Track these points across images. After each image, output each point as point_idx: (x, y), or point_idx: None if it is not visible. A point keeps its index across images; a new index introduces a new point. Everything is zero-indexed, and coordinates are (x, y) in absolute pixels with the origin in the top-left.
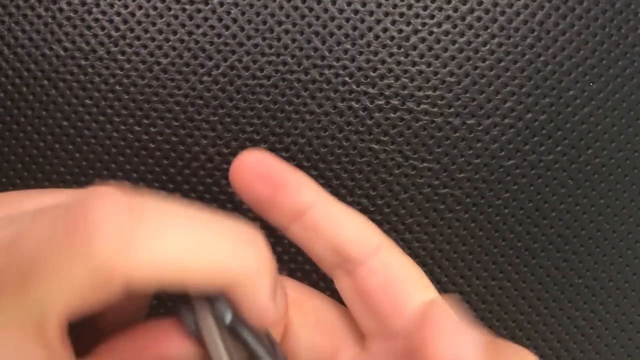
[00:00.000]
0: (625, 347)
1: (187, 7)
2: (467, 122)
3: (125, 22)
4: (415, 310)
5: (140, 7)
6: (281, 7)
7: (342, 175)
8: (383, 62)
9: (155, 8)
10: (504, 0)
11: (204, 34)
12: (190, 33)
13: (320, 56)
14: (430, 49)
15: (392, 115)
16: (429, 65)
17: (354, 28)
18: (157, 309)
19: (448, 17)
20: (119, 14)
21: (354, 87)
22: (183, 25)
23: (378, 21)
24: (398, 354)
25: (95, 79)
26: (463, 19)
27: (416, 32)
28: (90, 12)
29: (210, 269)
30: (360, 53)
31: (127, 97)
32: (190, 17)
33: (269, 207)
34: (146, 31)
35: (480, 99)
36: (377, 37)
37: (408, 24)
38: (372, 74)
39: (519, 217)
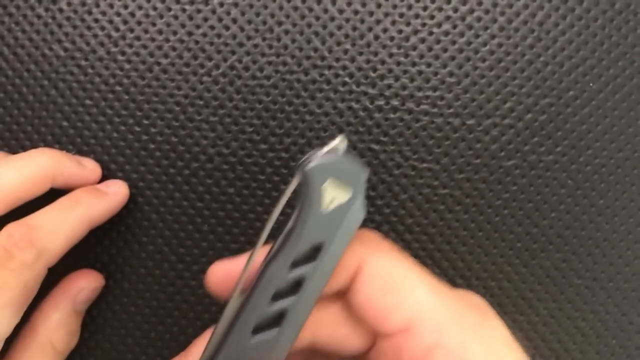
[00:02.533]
0: (624, 347)
1: (187, 7)
2: (467, 122)
3: (125, 22)
4: (400, 320)
5: (140, 8)
6: (281, 8)
7: None
8: (383, 62)
9: (155, 8)
10: (504, 0)
11: (204, 35)
12: (190, 33)
13: (320, 56)
14: (430, 49)
15: (392, 115)
16: (428, 65)
17: (354, 28)
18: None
19: (448, 18)
20: (118, 14)
21: (354, 87)
22: (183, 26)
23: (378, 21)
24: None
25: (95, 79)
26: (463, 19)
27: (416, 32)
28: (90, 13)
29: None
30: (360, 53)
31: (127, 97)
32: (190, 18)
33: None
34: (146, 31)
35: (480, 99)
36: (377, 37)
37: (408, 24)
38: (372, 74)
39: (519, 218)
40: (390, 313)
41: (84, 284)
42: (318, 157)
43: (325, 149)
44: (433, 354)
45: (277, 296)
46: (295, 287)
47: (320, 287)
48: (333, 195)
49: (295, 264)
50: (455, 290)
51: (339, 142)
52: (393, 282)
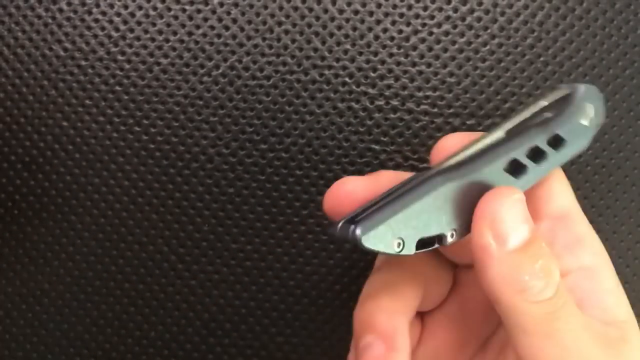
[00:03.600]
0: None
1: (187, 7)
2: (467, 122)
3: (125, 22)
4: (563, 205)
5: (140, 8)
6: (281, 8)
7: (342, 175)
8: (383, 62)
9: (155, 9)
10: (504, 0)
11: (204, 35)
12: (190, 34)
13: (320, 57)
14: (430, 49)
15: (392, 115)
16: (429, 65)
17: (354, 28)
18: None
19: (448, 18)
20: (119, 14)
21: (354, 87)
22: (183, 26)
23: (378, 22)
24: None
25: (95, 79)
26: (463, 19)
27: (416, 32)
28: (90, 13)
29: None
30: (360, 53)
31: (127, 97)
32: (190, 18)
33: None
34: (146, 32)
35: (480, 100)
36: (377, 37)
37: (408, 24)
38: (372, 74)
39: None
40: (559, 197)
41: None
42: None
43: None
44: (582, 244)
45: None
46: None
47: (549, 167)
48: (586, 116)
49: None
50: None
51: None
52: (564, 179)
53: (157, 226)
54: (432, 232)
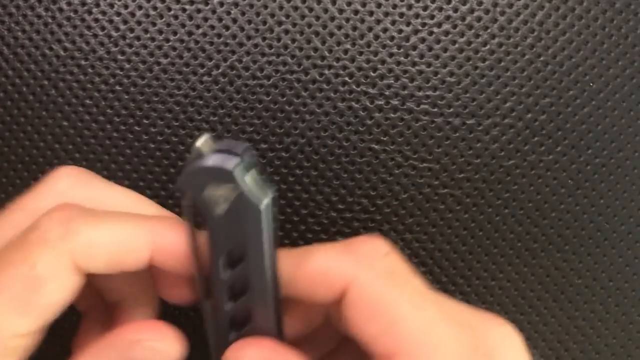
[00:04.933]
0: (625, 347)
1: (187, 7)
2: (467, 122)
3: (125, 22)
4: (387, 346)
5: (140, 8)
6: (281, 7)
7: (342, 175)
8: (383, 62)
9: (155, 8)
10: (504, 0)
11: (204, 34)
12: (190, 33)
13: (320, 56)
14: (430, 49)
15: (392, 115)
16: (429, 65)
17: (354, 28)
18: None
19: (448, 18)
20: (119, 14)
21: (354, 87)
22: (183, 26)
23: (378, 21)
24: None
25: (95, 79)
26: (463, 19)
27: (416, 32)
28: (90, 12)
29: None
30: (360, 53)
31: (127, 97)
32: (190, 18)
33: None
34: (146, 31)
35: (480, 99)
36: (377, 37)
37: (408, 24)
38: (372, 74)
39: (519, 217)
40: (377, 339)
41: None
42: (182, 174)
43: (190, 159)
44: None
45: (235, 295)
46: (245, 284)
47: (267, 276)
48: (220, 197)
49: (232, 264)
50: (462, 309)
51: (201, 145)
52: (380, 308)
53: None
54: None
